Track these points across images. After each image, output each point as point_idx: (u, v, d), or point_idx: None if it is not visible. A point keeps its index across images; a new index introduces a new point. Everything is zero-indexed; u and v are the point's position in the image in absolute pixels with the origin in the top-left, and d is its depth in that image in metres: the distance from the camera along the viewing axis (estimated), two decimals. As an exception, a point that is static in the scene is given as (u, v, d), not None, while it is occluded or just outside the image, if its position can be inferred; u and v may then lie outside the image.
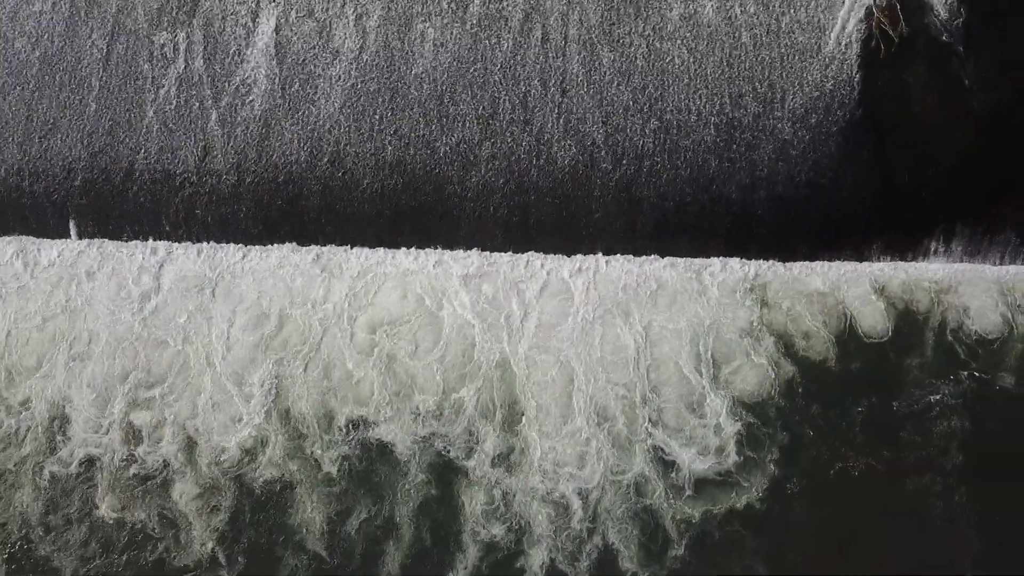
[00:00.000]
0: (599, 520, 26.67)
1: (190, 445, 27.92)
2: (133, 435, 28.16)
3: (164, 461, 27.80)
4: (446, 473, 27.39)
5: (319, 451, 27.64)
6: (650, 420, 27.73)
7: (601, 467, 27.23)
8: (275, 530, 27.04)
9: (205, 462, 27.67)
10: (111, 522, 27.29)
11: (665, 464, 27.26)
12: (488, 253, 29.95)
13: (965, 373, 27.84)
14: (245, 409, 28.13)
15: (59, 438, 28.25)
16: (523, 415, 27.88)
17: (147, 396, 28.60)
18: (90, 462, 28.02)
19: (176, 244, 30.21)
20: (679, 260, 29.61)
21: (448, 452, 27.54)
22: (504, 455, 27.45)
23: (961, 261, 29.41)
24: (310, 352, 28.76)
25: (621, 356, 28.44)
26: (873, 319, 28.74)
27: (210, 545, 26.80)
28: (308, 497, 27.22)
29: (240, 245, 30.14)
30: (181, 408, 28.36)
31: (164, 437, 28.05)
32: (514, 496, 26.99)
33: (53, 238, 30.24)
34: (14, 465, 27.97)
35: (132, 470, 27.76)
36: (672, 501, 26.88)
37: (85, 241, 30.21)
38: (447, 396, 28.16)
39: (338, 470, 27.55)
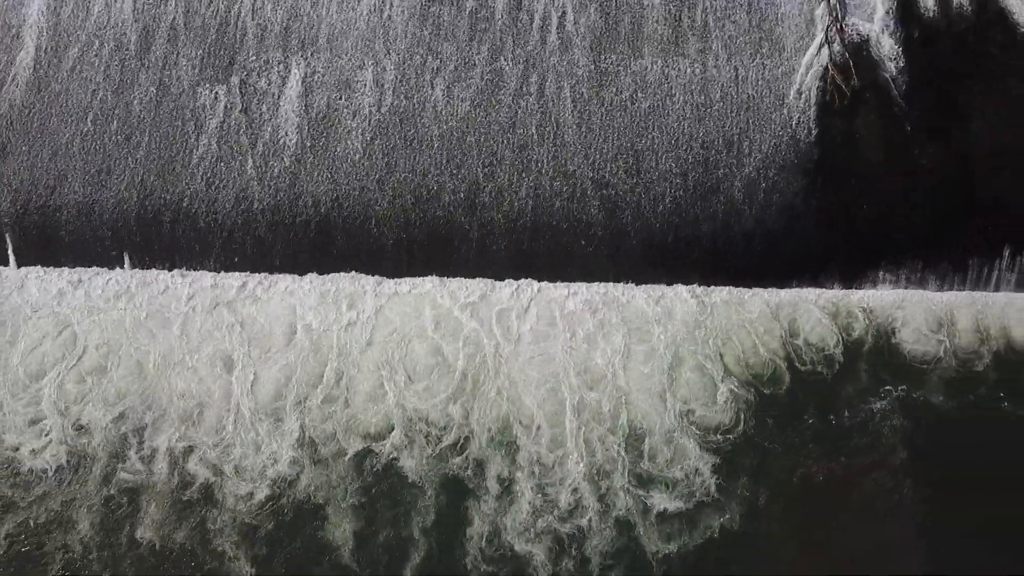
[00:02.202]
0: (590, 559, 28.61)
1: (226, 475, 30.02)
2: (173, 464, 30.26)
3: (202, 490, 29.85)
4: (456, 491, 29.67)
5: (344, 474, 29.85)
6: (631, 461, 29.97)
7: (589, 507, 29.30)
8: (308, 547, 29.05)
9: (238, 495, 29.72)
10: (156, 545, 29.10)
11: (648, 503, 29.35)
12: (490, 280, 33.34)
13: (901, 387, 30.82)
14: (276, 442, 30.49)
15: (107, 467, 30.34)
16: (519, 451, 30.30)
17: (184, 428, 30.81)
18: (134, 490, 29.97)
19: (214, 273, 33.53)
20: (648, 287, 32.97)
21: (457, 475, 29.92)
22: (503, 493, 29.56)
23: (906, 288, 33.05)
24: (333, 381, 31.39)
25: (602, 387, 31.14)
26: (820, 340, 31.88)
27: (250, 568, 28.85)
28: (337, 515, 29.36)
29: (271, 275, 33.48)
30: (216, 440, 30.60)
31: (201, 467, 30.18)
32: (510, 533, 29.02)
33: (110, 268, 33.67)
34: (75, 490, 29.97)
35: (173, 497, 29.78)
36: (657, 537, 28.90)
37: (137, 271, 33.68)
38: (456, 424, 30.63)
39: (361, 491, 29.72)
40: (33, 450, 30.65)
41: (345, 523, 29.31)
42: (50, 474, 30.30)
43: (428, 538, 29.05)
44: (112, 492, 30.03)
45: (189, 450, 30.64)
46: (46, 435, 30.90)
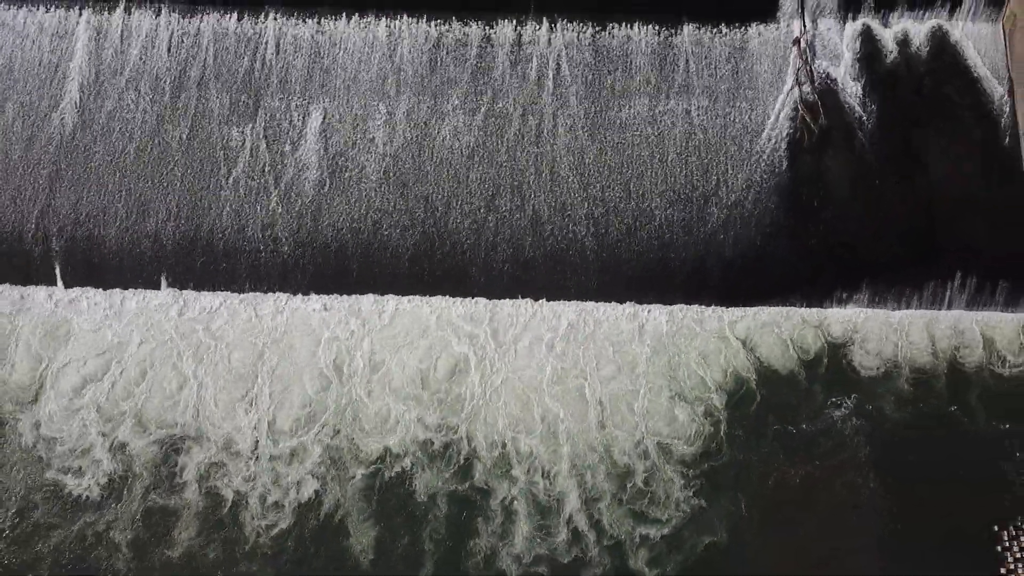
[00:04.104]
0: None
1: (253, 495, 32.90)
2: (203, 486, 33.08)
3: (231, 510, 32.69)
4: (464, 507, 32.70)
5: (360, 489, 32.85)
6: (616, 487, 32.79)
7: (583, 539, 32.02)
8: (332, 559, 31.96)
9: (263, 524, 32.47)
10: (185, 561, 31.89)
11: (635, 527, 32.09)
12: (491, 300, 36.58)
13: (858, 399, 33.86)
14: (299, 461, 33.48)
15: (144, 488, 33.12)
16: (514, 474, 33.28)
17: (214, 450, 33.64)
18: (168, 510, 32.76)
19: (241, 295, 36.76)
20: (630, 306, 36.19)
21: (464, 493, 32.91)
22: (504, 521, 32.36)
23: (867, 307, 36.19)
24: (350, 398, 34.45)
25: (588, 407, 34.18)
26: (785, 356, 35.00)
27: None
28: (358, 527, 32.35)
29: (294, 295, 36.74)
30: (243, 459, 33.50)
31: (229, 489, 32.96)
32: (510, 559, 31.89)
33: (148, 289, 36.96)
34: (115, 511, 32.75)
35: (202, 518, 32.55)
36: (646, 561, 31.54)
37: (172, 291, 36.94)
38: (459, 442, 33.70)
39: (379, 504, 32.62)
40: (79, 472, 33.51)
41: (364, 537, 32.26)
42: (92, 496, 33.01)
43: (439, 549, 32.04)
44: (148, 512, 32.71)
45: (219, 472, 33.46)
46: (91, 457, 33.72)
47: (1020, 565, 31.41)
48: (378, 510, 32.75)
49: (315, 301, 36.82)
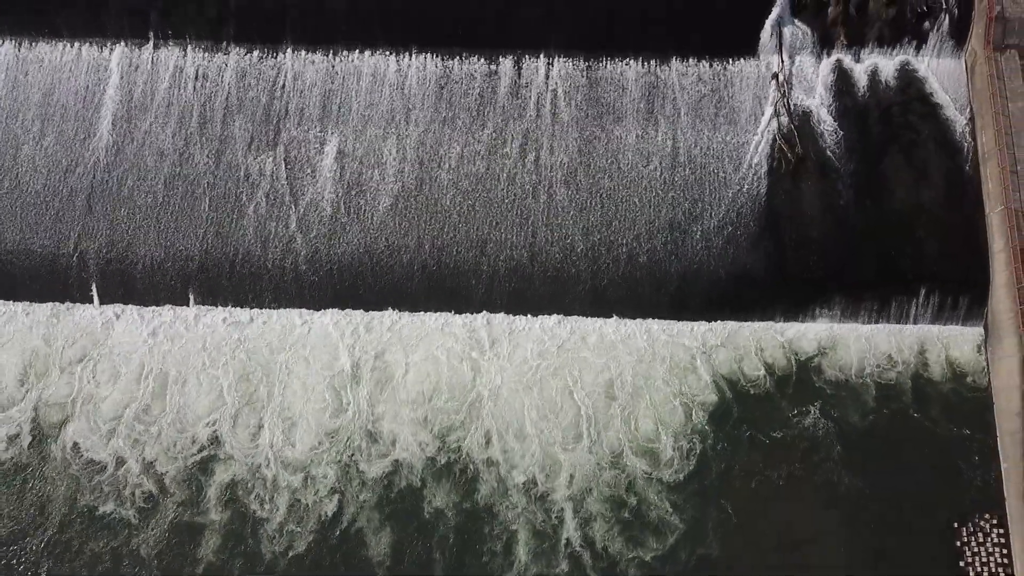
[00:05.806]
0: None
1: (276, 507, 35.25)
2: (226, 500, 35.40)
3: (252, 522, 34.93)
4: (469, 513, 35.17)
5: (373, 496, 35.22)
6: (615, 505, 34.94)
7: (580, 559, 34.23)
8: (348, 563, 34.23)
9: (284, 525, 34.89)
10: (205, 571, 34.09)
11: (630, 540, 34.40)
12: (493, 314, 39.51)
13: (830, 404, 36.34)
14: (318, 473, 35.89)
15: (174, 504, 35.37)
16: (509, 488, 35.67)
17: (237, 466, 35.95)
18: (195, 526, 34.91)
19: (262, 311, 39.71)
20: (617, 320, 39.02)
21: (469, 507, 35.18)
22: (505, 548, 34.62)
23: (840, 322, 38.94)
24: (364, 409, 37.10)
25: (577, 423, 36.75)
26: (759, 368, 37.57)
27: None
28: (372, 531, 34.72)
29: (311, 311, 39.69)
30: (264, 474, 35.81)
31: (252, 502, 35.24)
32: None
33: (177, 305, 40.03)
34: (144, 527, 35.02)
35: (225, 531, 34.76)
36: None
37: (200, 307, 39.99)
38: (461, 453, 36.20)
39: (391, 509, 34.96)
40: (112, 488, 35.82)
41: (379, 544, 34.58)
42: (125, 512, 35.24)
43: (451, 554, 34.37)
44: (176, 528, 34.90)
45: (242, 486, 35.75)
46: (123, 473, 36.00)
47: (977, 559, 34.13)
48: (390, 519, 35.07)
49: (330, 316, 39.59)
